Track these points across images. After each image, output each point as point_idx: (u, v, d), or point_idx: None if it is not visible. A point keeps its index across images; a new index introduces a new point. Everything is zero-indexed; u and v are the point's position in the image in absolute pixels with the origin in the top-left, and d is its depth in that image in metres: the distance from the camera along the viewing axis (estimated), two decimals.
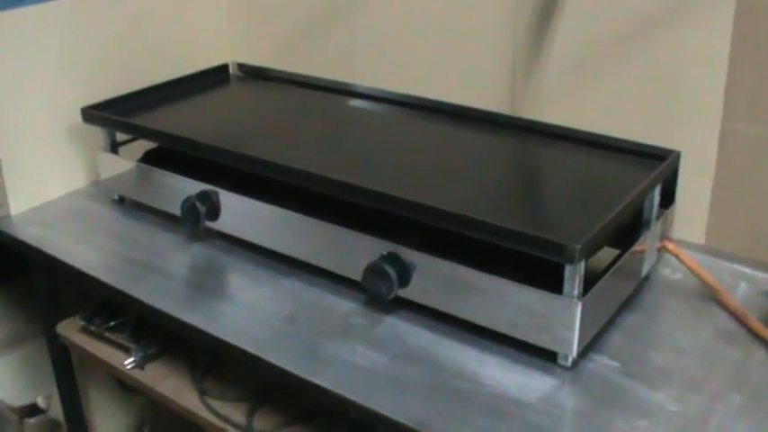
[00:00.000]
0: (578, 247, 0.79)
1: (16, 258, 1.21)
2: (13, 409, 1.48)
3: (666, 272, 1.03)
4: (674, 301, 0.97)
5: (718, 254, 1.05)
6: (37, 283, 1.22)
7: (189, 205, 1.08)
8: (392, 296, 0.92)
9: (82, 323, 1.18)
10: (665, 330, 0.93)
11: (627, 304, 0.96)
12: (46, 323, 1.25)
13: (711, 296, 0.96)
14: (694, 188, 1.05)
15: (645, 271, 0.99)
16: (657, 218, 0.99)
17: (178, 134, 1.12)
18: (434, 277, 0.91)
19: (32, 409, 1.48)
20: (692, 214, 1.07)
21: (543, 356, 0.87)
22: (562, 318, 0.83)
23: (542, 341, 0.86)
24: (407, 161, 1.09)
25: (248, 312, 0.97)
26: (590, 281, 0.84)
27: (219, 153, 1.08)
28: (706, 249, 1.06)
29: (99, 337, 1.17)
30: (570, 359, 0.85)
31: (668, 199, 1.02)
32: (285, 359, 0.89)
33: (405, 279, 0.92)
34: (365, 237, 0.95)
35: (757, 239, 1.03)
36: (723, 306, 0.95)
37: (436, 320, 0.93)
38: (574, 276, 0.82)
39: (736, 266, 1.03)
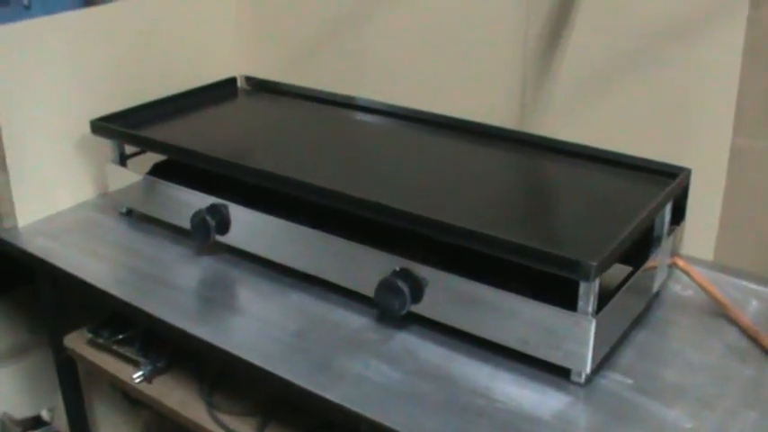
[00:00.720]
0: (595, 264, 0.79)
1: (18, 268, 1.20)
2: (15, 422, 1.47)
3: (677, 288, 1.03)
4: (685, 318, 0.98)
5: (727, 270, 1.05)
6: (44, 295, 1.22)
7: (199, 219, 1.08)
8: (404, 312, 0.92)
9: (89, 336, 1.18)
10: (676, 347, 0.93)
11: (638, 321, 0.96)
12: (52, 335, 1.24)
13: (722, 313, 0.96)
14: (704, 204, 1.05)
15: (656, 287, 0.99)
16: (668, 234, 0.99)
17: (187, 147, 1.12)
18: (447, 293, 0.91)
19: (35, 422, 1.47)
20: (701, 230, 1.07)
21: (555, 373, 0.87)
22: (576, 334, 0.83)
23: (555, 358, 0.85)
24: (416, 176, 1.09)
25: (258, 326, 0.97)
26: (601, 297, 0.84)
27: (230, 166, 1.07)
28: (715, 266, 1.06)
29: (107, 350, 1.17)
30: (584, 376, 0.85)
31: (678, 215, 1.02)
32: (296, 374, 0.88)
33: (417, 295, 0.92)
34: (377, 252, 0.95)
35: (767, 256, 1.03)
36: (734, 323, 0.95)
37: (447, 336, 0.93)
38: (588, 293, 0.81)
39: (745, 283, 1.03)
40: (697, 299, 1.00)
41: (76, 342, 1.21)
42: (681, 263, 1.00)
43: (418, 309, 0.93)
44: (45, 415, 1.44)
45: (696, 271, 0.99)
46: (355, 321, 0.97)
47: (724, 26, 0.99)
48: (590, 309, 0.82)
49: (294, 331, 0.96)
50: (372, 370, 0.89)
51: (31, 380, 1.51)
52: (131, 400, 1.28)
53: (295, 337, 0.95)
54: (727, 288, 1.00)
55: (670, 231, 1.00)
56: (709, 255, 1.08)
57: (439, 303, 0.92)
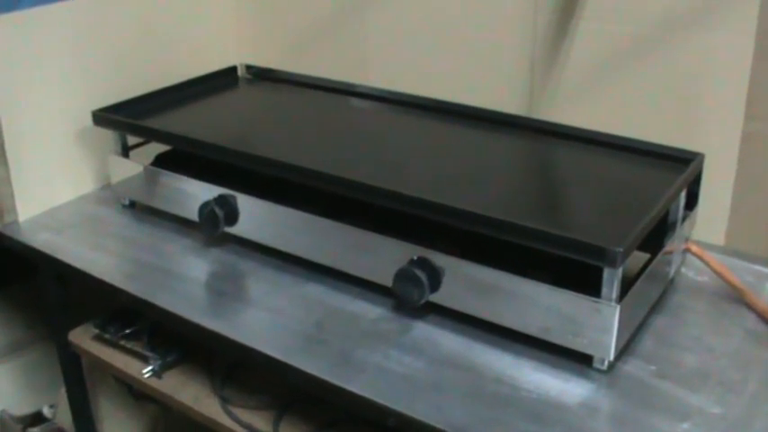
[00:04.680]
0: (621, 250, 0.79)
1: (13, 264, 1.18)
2: (15, 419, 1.45)
3: (690, 274, 1.03)
4: (701, 303, 0.98)
5: (738, 255, 1.05)
6: (48, 290, 1.19)
7: (208, 210, 1.06)
8: (423, 301, 0.92)
9: (95, 331, 1.16)
10: (695, 333, 0.93)
11: (655, 307, 0.96)
12: (56, 331, 1.22)
13: (738, 298, 0.97)
14: (715, 189, 1.05)
15: (671, 273, 0.99)
16: (682, 220, 0.99)
17: (195, 137, 1.10)
18: (465, 281, 0.90)
19: (36, 419, 1.45)
20: (712, 215, 1.07)
21: (577, 360, 0.86)
22: (599, 321, 0.83)
23: (578, 345, 0.85)
24: (426, 164, 1.08)
25: (274, 319, 0.96)
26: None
27: (241, 156, 1.06)
28: (726, 251, 1.07)
29: (113, 345, 1.15)
30: (607, 363, 0.85)
31: (692, 201, 1.02)
32: (317, 366, 0.87)
33: (435, 284, 0.92)
34: (394, 241, 0.94)
35: None
36: (751, 308, 0.95)
37: (466, 324, 0.93)
38: (613, 280, 0.81)
39: (758, 267, 1.03)
40: (712, 284, 1.00)
41: (81, 337, 1.19)
42: (694, 248, 1.00)
43: (436, 298, 0.93)
44: (46, 411, 1.42)
45: (710, 256, 0.99)
46: (372, 312, 0.97)
47: (736, 11, 0.99)
48: (614, 295, 0.82)
49: (311, 323, 0.95)
50: (394, 361, 0.88)
51: (28, 377, 1.49)
52: (136, 394, 1.26)
53: (312, 329, 0.94)
54: (740, 273, 1.00)
55: (684, 217, 1.00)
56: (719, 240, 1.08)
57: (457, 292, 0.91)
